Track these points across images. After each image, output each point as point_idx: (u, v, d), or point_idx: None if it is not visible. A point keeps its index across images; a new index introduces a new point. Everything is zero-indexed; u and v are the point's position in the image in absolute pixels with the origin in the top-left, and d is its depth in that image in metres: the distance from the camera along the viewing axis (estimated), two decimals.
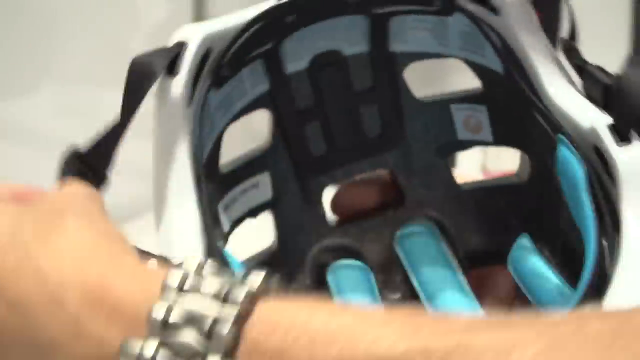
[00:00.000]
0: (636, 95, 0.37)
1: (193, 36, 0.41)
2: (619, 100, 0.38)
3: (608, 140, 0.37)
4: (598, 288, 0.34)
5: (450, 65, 0.47)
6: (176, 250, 0.38)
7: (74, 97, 0.77)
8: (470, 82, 0.47)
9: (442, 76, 0.68)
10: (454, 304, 0.45)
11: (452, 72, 0.50)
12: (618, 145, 0.36)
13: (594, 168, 0.38)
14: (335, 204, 0.49)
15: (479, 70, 0.45)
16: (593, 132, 0.37)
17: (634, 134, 0.37)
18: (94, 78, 0.80)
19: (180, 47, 0.41)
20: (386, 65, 0.47)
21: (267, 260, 0.48)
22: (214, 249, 0.38)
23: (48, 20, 1.00)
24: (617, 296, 0.33)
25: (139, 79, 0.40)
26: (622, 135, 0.37)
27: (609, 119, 0.37)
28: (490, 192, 0.48)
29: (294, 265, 0.48)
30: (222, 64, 0.42)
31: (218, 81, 0.42)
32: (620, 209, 0.35)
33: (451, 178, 0.49)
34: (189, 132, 0.40)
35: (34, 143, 0.77)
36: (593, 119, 0.38)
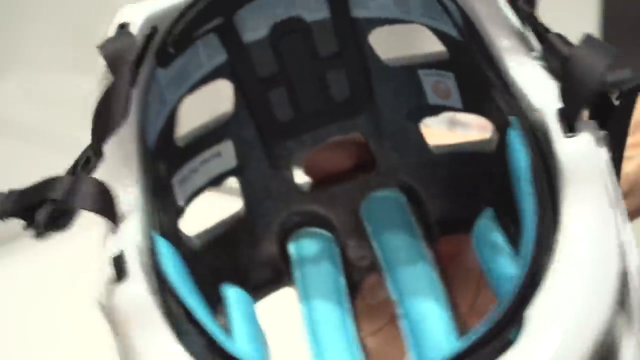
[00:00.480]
0: (584, 78, 0.33)
1: (135, 17, 0.40)
2: (566, 84, 0.34)
3: (554, 129, 0.34)
4: (533, 285, 0.31)
5: (420, 30, 0.47)
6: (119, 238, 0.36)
7: (42, 83, 0.77)
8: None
9: (412, 42, 0.68)
10: (413, 275, 0.45)
11: (424, 37, 0.50)
12: (564, 135, 0.33)
13: (544, 159, 0.34)
14: (307, 167, 0.49)
15: (442, 37, 0.45)
16: (542, 118, 0.34)
17: (582, 122, 0.33)
18: (62, 63, 0.79)
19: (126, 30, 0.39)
20: (350, 30, 0.47)
21: (234, 227, 0.47)
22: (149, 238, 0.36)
23: (14, 6, 0.99)
24: (545, 302, 0.30)
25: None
26: (569, 122, 0.33)
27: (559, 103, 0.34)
28: (463, 158, 0.47)
29: (261, 232, 0.48)
30: (167, 43, 0.41)
31: (164, 61, 0.41)
32: (560, 208, 0.32)
33: (423, 143, 0.48)
34: (135, 114, 0.39)
35: (2, 129, 0.76)
36: (545, 102, 0.35)
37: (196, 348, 0.32)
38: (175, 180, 0.44)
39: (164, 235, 0.38)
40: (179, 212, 0.44)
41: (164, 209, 0.41)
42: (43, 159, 0.64)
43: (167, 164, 0.43)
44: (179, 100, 0.44)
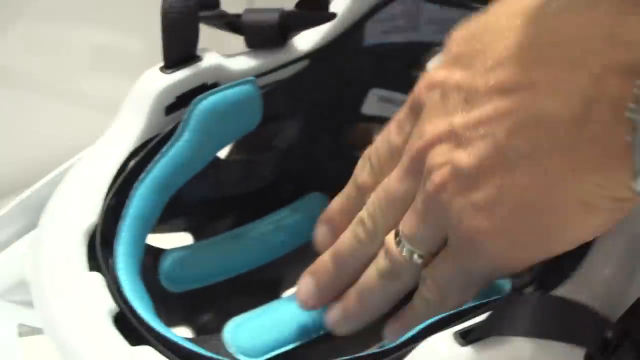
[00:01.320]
0: None
1: None
2: None
3: None
4: None
5: None
6: None
7: (47, 33, 0.76)
8: None
9: None
10: None
11: None
12: None
13: None
14: None
15: None
16: None
17: None
18: (64, 12, 0.78)
19: None
20: None
21: None
22: None
23: None
24: None
25: None
26: None
27: None
28: None
29: None
30: None
31: None
32: None
33: None
34: None
35: (6, 80, 0.76)
36: None
37: None
38: None
39: None
40: None
41: None
42: (49, 110, 0.64)
43: None
44: None
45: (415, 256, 0.41)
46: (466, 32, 0.39)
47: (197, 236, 0.54)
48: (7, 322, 0.44)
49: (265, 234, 0.53)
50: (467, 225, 0.37)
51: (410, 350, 0.36)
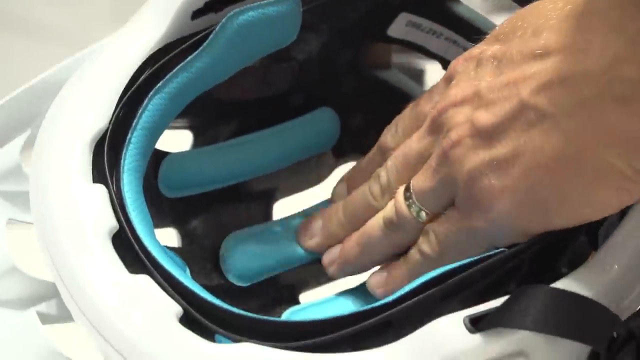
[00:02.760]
0: None
1: None
2: None
3: None
4: None
5: None
6: None
7: None
8: None
9: None
10: None
11: None
12: None
13: None
14: None
15: None
16: None
17: None
18: None
19: None
20: None
21: None
22: None
23: None
24: None
25: None
26: None
27: None
28: None
29: None
30: None
31: None
32: None
33: None
34: None
35: (28, 30, 0.73)
36: None
37: None
38: None
39: None
40: None
41: None
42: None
43: None
44: None
45: (422, 213, 0.42)
46: (512, 16, 0.40)
47: (197, 136, 0.52)
48: None
49: (269, 145, 0.52)
50: (477, 183, 0.38)
51: (399, 311, 0.36)
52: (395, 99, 0.54)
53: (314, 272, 0.51)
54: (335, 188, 0.50)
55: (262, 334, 0.36)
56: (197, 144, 0.52)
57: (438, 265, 0.40)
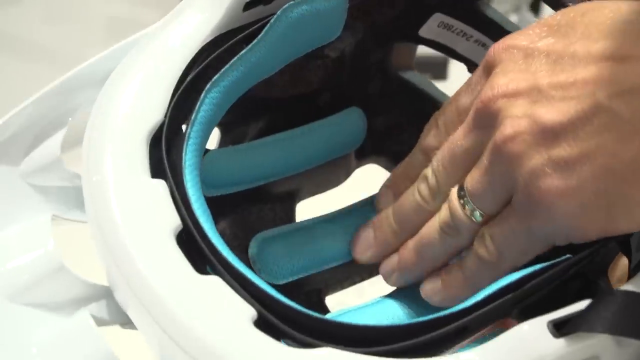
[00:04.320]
0: None
1: None
2: None
3: None
4: None
5: None
6: None
7: (61, 4, 0.70)
8: None
9: None
10: None
11: None
12: None
13: None
14: None
15: None
16: None
17: None
18: None
19: None
20: None
21: None
22: None
23: None
24: None
25: None
26: None
27: None
28: None
29: None
30: None
31: None
32: None
33: None
34: None
35: (22, 49, 0.71)
36: None
37: None
38: None
39: None
40: None
41: None
42: None
43: None
44: None
45: (477, 213, 0.40)
46: (566, 10, 0.39)
47: (225, 133, 0.50)
48: (38, 213, 0.40)
49: (299, 145, 0.51)
50: (538, 182, 0.37)
51: (476, 317, 0.36)
52: (418, 101, 0.54)
53: (339, 275, 0.50)
54: (379, 196, 0.47)
55: (342, 338, 0.35)
56: (225, 141, 0.51)
57: (496, 269, 0.39)
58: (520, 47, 0.39)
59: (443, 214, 0.42)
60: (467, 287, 0.41)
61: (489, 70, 0.40)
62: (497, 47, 0.40)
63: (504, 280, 0.37)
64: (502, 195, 0.39)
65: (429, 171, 0.43)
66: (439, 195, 0.42)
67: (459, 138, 0.41)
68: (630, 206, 0.36)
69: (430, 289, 0.43)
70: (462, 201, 0.40)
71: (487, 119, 0.39)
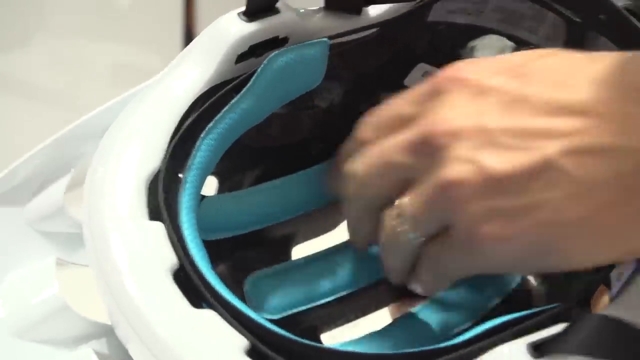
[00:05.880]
0: None
1: None
2: None
3: None
4: None
5: None
6: None
7: (66, 49, 0.73)
8: None
9: None
10: None
11: None
12: None
13: None
14: None
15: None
16: None
17: None
18: (85, 30, 0.76)
19: None
20: None
21: None
22: None
23: None
24: None
25: None
26: None
27: None
28: None
29: None
30: None
31: None
32: None
33: None
34: None
35: (28, 93, 0.74)
36: None
37: None
38: None
39: None
40: None
41: None
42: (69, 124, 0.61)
43: None
44: None
45: (412, 235, 0.40)
46: (530, 52, 0.39)
47: (222, 182, 0.53)
48: (43, 256, 0.42)
49: (294, 190, 0.53)
50: (479, 227, 0.37)
51: (473, 351, 0.37)
52: None
53: (335, 313, 0.52)
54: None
55: None
56: (222, 189, 0.53)
57: (438, 288, 0.42)
58: (471, 82, 0.38)
59: (381, 236, 0.42)
60: (438, 281, 0.42)
61: (436, 94, 0.39)
62: (448, 75, 0.39)
63: (497, 321, 0.39)
64: (439, 224, 0.39)
65: (358, 164, 0.42)
66: (367, 190, 0.42)
67: (397, 152, 0.40)
68: (568, 257, 0.36)
69: (412, 283, 0.43)
70: (397, 221, 0.40)
71: (429, 150, 0.38)
